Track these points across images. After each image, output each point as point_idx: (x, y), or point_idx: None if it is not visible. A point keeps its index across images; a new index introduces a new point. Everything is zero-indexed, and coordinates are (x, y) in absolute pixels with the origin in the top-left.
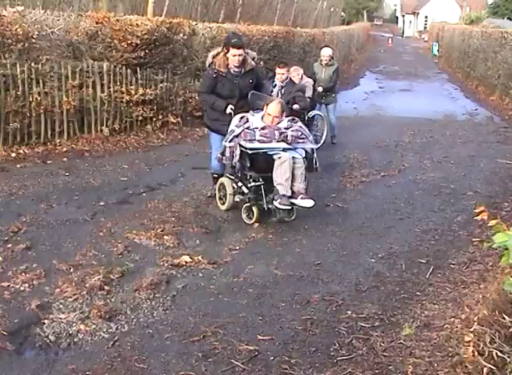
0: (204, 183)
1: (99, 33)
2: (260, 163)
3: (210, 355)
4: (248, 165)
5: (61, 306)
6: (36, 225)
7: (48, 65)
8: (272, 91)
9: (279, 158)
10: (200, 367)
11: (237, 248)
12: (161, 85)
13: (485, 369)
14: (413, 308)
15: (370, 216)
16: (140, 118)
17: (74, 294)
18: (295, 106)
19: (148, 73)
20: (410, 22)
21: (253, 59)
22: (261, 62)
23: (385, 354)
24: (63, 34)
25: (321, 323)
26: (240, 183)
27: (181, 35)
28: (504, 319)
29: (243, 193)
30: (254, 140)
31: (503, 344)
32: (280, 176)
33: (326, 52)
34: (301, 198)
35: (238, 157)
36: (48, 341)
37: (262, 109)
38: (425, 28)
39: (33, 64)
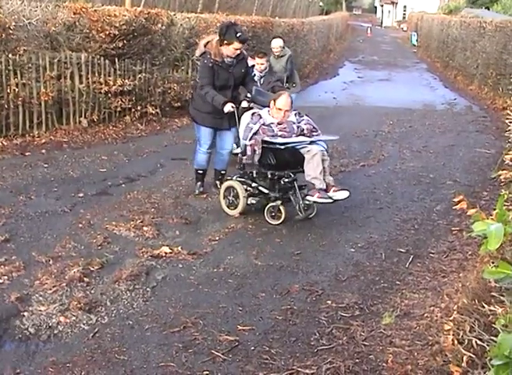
0: (183, 174)
1: (77, 23)
2: (285, 159)
3: (190, 346)
4: (273, 162)
5: (40, 298)
6: (15, 217)
7: (25, 56)
8: None
9: (308, 151)
10: (180, 358)
11: (217, 238)
12: (139, 76)
13: (464, 358)
14: (393, 297)
15: (349, 205)
16: (119, 109)
17: (54, 286)
18: None
19: (127, 64)
20: (389, 12)
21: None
22: None
23: (365, 343)
24: (41, 25)
25: (302, 313)
26: (254, 184)
27: (159, 25)
28: (483, 307)
29: (257, 194)
30: (276, 135)
31: (483, 332)
32: (313, 169)
33: (276, 43)
34: (334, 191)
35: (260, 155)
36: (28, 334)
37: (268, 105)
38: (404, 18)
39: (10, 55)
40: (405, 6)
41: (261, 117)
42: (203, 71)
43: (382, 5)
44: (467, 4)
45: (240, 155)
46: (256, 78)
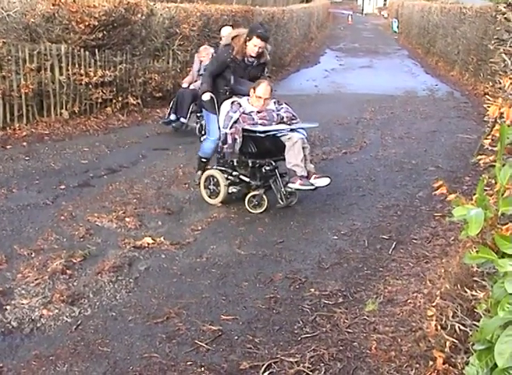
0: (165, 165)
1: (56, 15)
2: (266, 147)
3: (174, 337)
4: (254, 150)
5: (23, 291)
6: None
7: (4, 48)
8: None
9: (289, 139)
10: (164, 349)
11: (199, 228)
12: (120, 66)
13: (447, 343)
14: (376, 284)
15: (332, 193)
16: (100, 100)
17: (36, 279)
18: None
19: (107, 55)
20: None
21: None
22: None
23: (349, 330)
24: (19, 17)
25: (285, 302)
26: (235, 173)
27: (139, 16)
28: (466, 292)
29: (238, 183)
30: (257, 124)
31: (465, 317)
32: (295, 157)
33: (224, 32)
34: (315, 178)
35: (240, 144)
36: (11, 327)
37: (246, 94)
38: (385, 5)
39: None
40: None
41: (240, 106)
42: (215, 60)
43: None
44: None
45: (220, 143)
46: None
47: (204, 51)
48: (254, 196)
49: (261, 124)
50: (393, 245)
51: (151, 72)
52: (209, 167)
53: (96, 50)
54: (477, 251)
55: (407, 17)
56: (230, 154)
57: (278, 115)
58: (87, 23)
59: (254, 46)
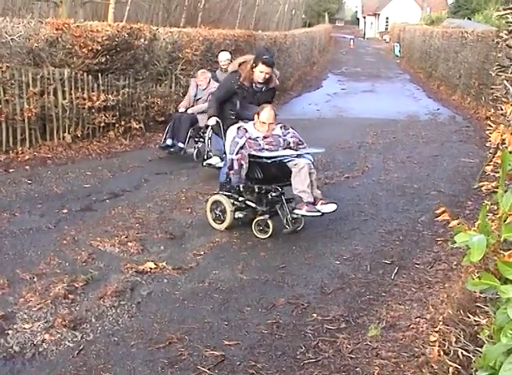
0: (167, 189)
1: (59, 39)
2: (272, 173)
3: (176, 362)
4: (260, 176)
5: (25, 316)
6: None
7: (8, 72)
8: None
9: (295, 165)
10: (166, 374)
11: (202, 253)
12: (123, 91)
13: (450, 369)
14: (378, 309)
15: (334, 217)
16: (103, 124)
17: (38, 304)
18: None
19: (110, 79)
20: (372, 23)
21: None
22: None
23: (351, 356)
24: (23, 41)
25: (287, 327)
26: (241, 198)
27: (142, 40)
28: (469, 318)
29: (244, 208)
30: (263, 149)
31: (468, 343)
32: (301, 182)
33: (224, 56)
34: (322, 204)
35: (247, 169)
36: (13, 352)
37: (252, 119)
38: (386, 29)
39: None
40: (387, 17)
41: (246, 131)
42: (222, 86)
43: (364, 17)
44: (449, 14)
45: (226, 169)
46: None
47: (201, 75)
48: (260, 221)
49: (267, 150)
50: (396, 270)
51: (154, 96)
52: (215, 192)
53: (99, 74)
54: (479, 277)
55: (408, 41)
56: (237, 180)
57: (284, 140)
58: (90, 48)
59: (260, 72)
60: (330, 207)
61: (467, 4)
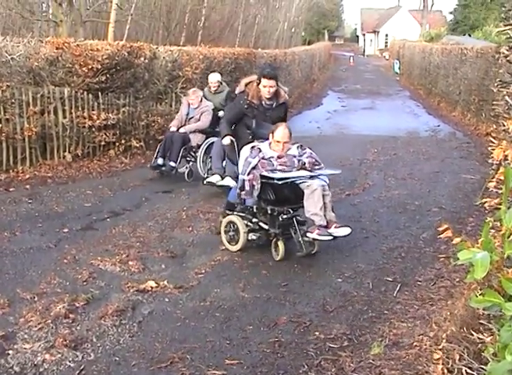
0: (168, 207)
1: (59, 58)
2: (284, 194)
3: None
4: (273, 197)
5: (25, 336)
6: None
7: (8, 91)
8: None
9: (308, 186)
10: None
11: (203, 271)
12: (123, 109)
13: None
14: (381, 326)
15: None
16: (103, 143)
17: (39, 323)
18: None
19: (110, 98)
20: (371, 40)
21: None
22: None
23: (354, 374)
24: (23, 60)
25: (290, 345)
26: (254, 220)
27: (142, 59)
28: (472, 335)
29: (258, 230)
30: (275, 170)
31: (472, 361)
32: (314, 205)
33: (214, 78)
34: (335, 227)
35: (259, 190)
36: (13, 373)
37: (267, 138)
38: (386, 46)
39: None
40: (387, 35)
41: (260, 151)
42: (231, 108)
43: (363, 34)
44: (448, 31)
45: (238, 189)
46: None
47: (193, 94)
48: (272, 243)
49: (280, 170)
50: (398, 287)
51: (154, 115)
52: (230, 213)
53: (99, 93)
54: (482, 295)
55: (408, 58)
56: (251, 201)
57: (299, 160)
58: (90, 67)
59: (264, 87)
60: (343, 231)
61: (466, 21)
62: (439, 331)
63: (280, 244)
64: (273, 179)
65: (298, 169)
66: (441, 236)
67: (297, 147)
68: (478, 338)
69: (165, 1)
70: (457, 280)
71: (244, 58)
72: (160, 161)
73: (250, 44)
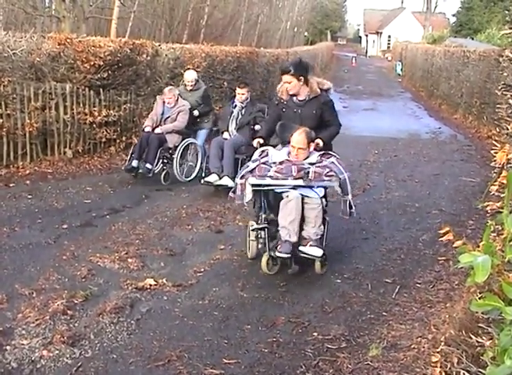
0: (168, 205)
1: (62, 54)
2: (272, 203)
3: None
4: (265, 205)
5: (23, 332)
6: None
7: (9, 86)
8: (232, 112)
9: (287, 196)
10: None
11: (202, 270)
12: (124, 106)
13: None
14: (379, 328)
15: (335, 236)
16: (104, 140)
17: (37, 320)
18: (257, 127)
19: (112, 95)
20: (374, 41)
21: (327, 90)
22: (225, 83)
23: None
24: (25, 56)
25: (288, 345)
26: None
27: (144, 56)
28: (471, 338)
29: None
30: (266, 176)
31: (471, 364)
32: (284, 217)
33: (190, 76)
34: (310, 245)
35: (249, 196)
36: (10, 368)
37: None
38: (389, 47)
39: None
40: (389, 36)
41: (266, 155)
42: (270, 107)
43: (366, 35)
44: (451, 33)
45: (231, 193)
46: (237, 109)
47: (169, 92)
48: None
49: (271, 176)
50: (397, 289)
51: None
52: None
53: (101, 89)
54: (482, 298)
55: (410, 60)
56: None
57: (302, 169)
58: (92, 63)
59: (283, 82)
60: (314, 251)
61: (470, 23)
62: (437, 334)
63: (263, 258)
64: (258, 185)
65: (296, 178)
66: (442, 239)
67: (319, 155)
68: (477, 342)
69: None
70: (456, 282)
71: (246, 57)
72: (135, 163)
73: (253, 43)
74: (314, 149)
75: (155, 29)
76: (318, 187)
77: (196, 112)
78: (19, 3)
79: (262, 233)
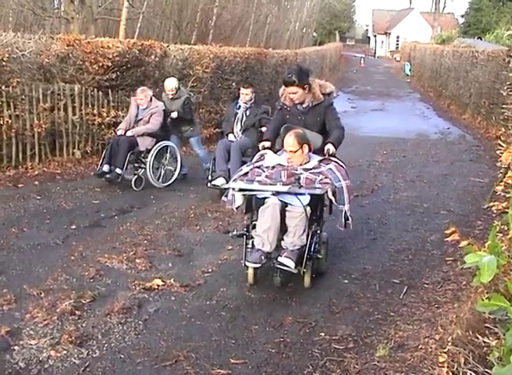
0: (176, 206)
1: (70, 55)
2: (255, 209)
3: None
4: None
5: (31, 332)
6: (7, 249)
7: (18, 88)
8: (236, 113)
9: (266, 202)
10: None
11: (210, 270)
12: None
13: None
14: (387, 329)
15: (343, 236)
16: None
17: (45, 320)
18: (264, 129)
19: (120, 95)
20: (382, 42)
21: (329, 94)
22: (233, 84)
23: None
24: (34, 57)
25: (295, 346)
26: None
27: (153, 57)
28: (478, 339)
29: None
30: (254, 180)
31: (478, 364)
32: (260, 224)
33: (170, 84)
34: (285, 256)
35: (239, 200)
36: (18, 368)
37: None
38: (397, 48)
39: (3, 87)
40: (398, 36)
41: (262, 159)
42: (274, 110)
43: (375, 36)
44: (460, 34)
45: (223, 197)
46: (241, 110)
47: (141, 93)
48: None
49: (259, 181)
50: (404, 290)
51: None
52: None
53: (109, 90)
54: (488, 298)
55: (419, 60)
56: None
57: (293, 175)
58: (100, 64)
59: (287, 93)
60: (286, 261)
61: (478, 23)
62: (444, 334)
63: (248, 268)
64: (244, 190)
65: (284, 184)
66: (448, 239)
67: (319, 161)
68: (484, 342)
69: None
70: (464, 283)
71: (255, 57)
72: (105, 168)
73: (261, 43)
74: (329, 155)
75: (164, 30)
76: (302, 194)
77: (174, 114)
78: (29, 5)
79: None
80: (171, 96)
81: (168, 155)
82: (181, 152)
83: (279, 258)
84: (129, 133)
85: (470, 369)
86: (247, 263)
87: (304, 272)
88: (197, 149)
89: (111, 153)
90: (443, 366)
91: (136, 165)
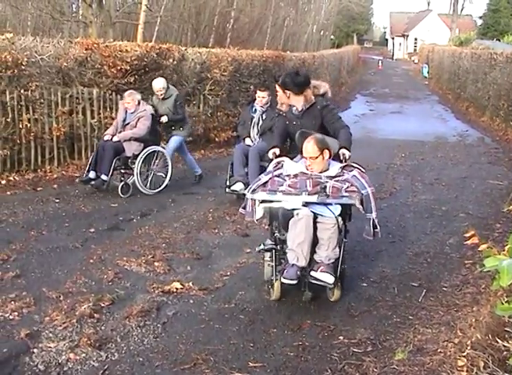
0: (194, 209)
1: (89, 59)
2: (282, 222)
3: None
4: (276, 223)
5: (50, 335)
6: (26, 253)
7: (37, 91)
8: (252, 117)
9: (297, 214)
10: None
11: (228, 273)
12: None
13: None
14: (405, 332)
15: (361, 239)
16: None
17: (64, 323)
18: None
19: None
20: (400, 44)
21: (323, 95)
22: (251, 87)
23: None
24: (53, 61)
25: (313, 349)
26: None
27: (171, 60)
28: (497, 342)
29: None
30: (277, 190)
31: (497, 368)
32: (292, 238)
33: (158, 85)
34: (321, 271)
35: (260, 213)
36: (38, 371)
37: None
38: (415, 50)
39: (22, 91)
40: (416, 38)
41: (281, 167)
42: (277, 118)
43: (393, 38)
44: (478, 35)
45: (241, 208)
46: (257, 113)
47: (128, 96)
48: None
49: (282, 191)
50: (423, 293)
51: None
52: None
53: None
54: (508, 302)
55: (437, 62)
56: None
57: (319, 184)
58: (119, 68)
59: (280, 95)
60: (324, 277)
61: (496, 25)
62: (463, 338)
63: (275, 283)
64: (266, 201)
65: (310, 194)
66: (467, 242)
67: (341, 167)
68: (504, 346)
69: (194, 3)
70: (483, 286)
71: (273, 60)
72: (92, 174)
73: (279, 46)
74: (341, 160)
75: (182, 33)
76: (334, 204)
77: (164, 118)
78: (47, 9)
79: (268, 254)
80: (161, 96)
81: (157, 160)
82: (173, 158)
83: (315, 274)
84: (115, 139)
85: (489, 374)
86: (284, 280)
87: (337, 286)
88: (169, 149)
89: (97, 159)
90: (462, 370)
91: (122, 171)
